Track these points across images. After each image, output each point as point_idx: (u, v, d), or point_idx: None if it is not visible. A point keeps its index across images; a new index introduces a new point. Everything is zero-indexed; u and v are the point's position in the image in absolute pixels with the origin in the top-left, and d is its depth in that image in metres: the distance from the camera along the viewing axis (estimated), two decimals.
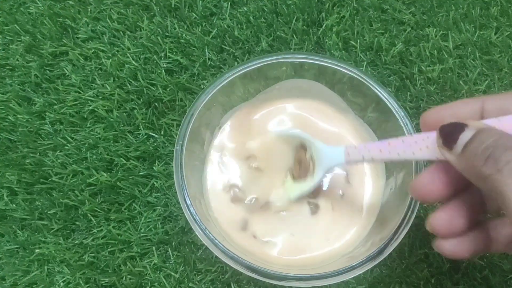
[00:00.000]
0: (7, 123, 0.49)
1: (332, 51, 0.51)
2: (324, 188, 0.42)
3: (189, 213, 0.36)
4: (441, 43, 0.51)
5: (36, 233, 0.45)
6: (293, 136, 0.42)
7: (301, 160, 0.41)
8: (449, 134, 0.27)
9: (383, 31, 0.52)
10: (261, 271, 0.35)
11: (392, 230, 0.36)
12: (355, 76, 0.41)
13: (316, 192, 0.42)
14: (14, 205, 0.46)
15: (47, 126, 0.49)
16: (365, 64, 0.51)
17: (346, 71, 0.42)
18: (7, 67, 0.52)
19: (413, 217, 0.36)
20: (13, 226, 0.45)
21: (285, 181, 0.42)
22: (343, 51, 0.51)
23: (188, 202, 0.36)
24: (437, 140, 0.29)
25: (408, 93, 0.49)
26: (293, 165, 0.42)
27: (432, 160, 0.30)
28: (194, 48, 0.51)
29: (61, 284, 0.43)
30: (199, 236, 0.36)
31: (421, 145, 0.30)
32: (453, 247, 0.30)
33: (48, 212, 0.45)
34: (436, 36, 0.52)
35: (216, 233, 0.37)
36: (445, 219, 0.29)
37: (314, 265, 0.40)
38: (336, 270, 0.35)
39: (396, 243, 0.36)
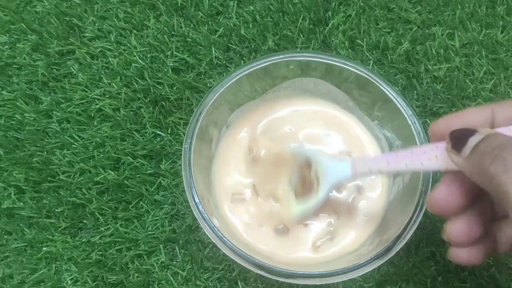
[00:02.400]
0: (14, 122, 0.49)
1: (338, 50, 0.51)
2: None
3: (198, 211, 0.36)
4: (448, 42, 0.51)
5: (43, 231, 0.45)
6: (296, 153, 0.40)
7: (305, 177, 0.39)
8: (459, 138, 0.27)
9: (389, 30, 0.52)
10: (268, 269, 0.35)
11: (399, 228, 0.36)
12: (362, 74, 0.41)
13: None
14: (21, 203, 0.46)
15: (54, 124, 0.49)
16: (371, 63, 0.51)
17: (353, 70, 0.42)
18: (14, 66, 0.52)
19: (421, 215, 0.36)
20: (21, 224, 0.45)
21: (288, 199, 0.40)
22: (349, 50, 0.51)
23: (197, 201, 0.37)
24: (446, 145, 0.29)
25: (415, 91, 0.49)
26: (297, 183, 0.40)
27: (440, 170, 0.30)
28: (201, 47, 0.52)
29: (69, 282, 0.43)
30: (208, 234, 0.36)
31: (430, 155, 0.30)
32: (469, 254, 0.30)
33: (56, 210, 0.45)
34: (442, 35, 0.52)
35: (224, 231, 0.37)
36: (462, 229, 0.29)
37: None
38: (344, 268, 0.35)
39: (404, 241, 0.36)
